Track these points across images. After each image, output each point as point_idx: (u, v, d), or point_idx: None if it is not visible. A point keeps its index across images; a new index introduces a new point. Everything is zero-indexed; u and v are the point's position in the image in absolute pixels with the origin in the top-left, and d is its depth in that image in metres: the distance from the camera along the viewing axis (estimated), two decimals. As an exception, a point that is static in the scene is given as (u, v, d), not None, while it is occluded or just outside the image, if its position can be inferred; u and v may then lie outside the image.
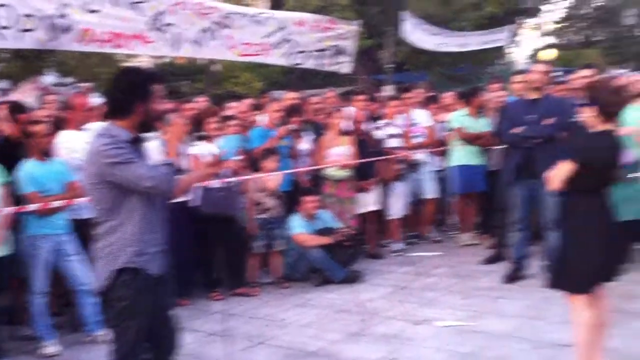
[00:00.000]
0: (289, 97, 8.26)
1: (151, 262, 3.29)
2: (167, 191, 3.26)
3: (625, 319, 5.13)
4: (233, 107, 7.97)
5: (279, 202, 6.87)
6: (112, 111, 3.26)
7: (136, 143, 3.27)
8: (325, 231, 6.91)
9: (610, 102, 3.95)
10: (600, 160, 3.94)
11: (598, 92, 4.01)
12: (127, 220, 3.20)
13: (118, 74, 3.39)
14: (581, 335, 4.00)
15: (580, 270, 3.95)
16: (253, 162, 6.86)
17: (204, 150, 6.15)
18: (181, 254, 6.06)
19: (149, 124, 3.30)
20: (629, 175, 6.75)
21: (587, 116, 3.98)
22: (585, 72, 6.72)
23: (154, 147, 4.68)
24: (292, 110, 7.47)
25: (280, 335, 5.32)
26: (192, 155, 6.09)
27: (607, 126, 3.96)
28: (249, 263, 6.73)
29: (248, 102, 8.46)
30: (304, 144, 7.53)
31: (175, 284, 6.06)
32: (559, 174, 3.94)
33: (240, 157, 6.57)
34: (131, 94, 3.21)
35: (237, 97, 9.13)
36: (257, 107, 8.26)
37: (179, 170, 3.49)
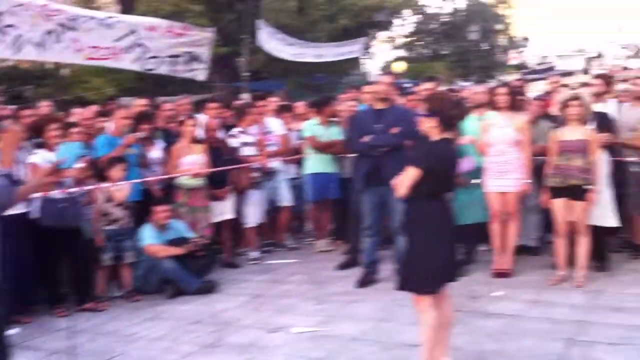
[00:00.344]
0: (139, 103, 8.03)
1: None
2: (4, 204, 3.08)
3: (469, 318, 5.40)
4: (77, 114, 7.62)
5: (128, 212, 6.63)
6: None
7: None
8: (178, 241, 6.74)
9: (449, 114, 4.14)
10: (440, 167, 4.11)
11: (437, 104, 4.19)
12: None
13: None
14: (426, 335, 4.15)
15: (424, 271, 4.10)
16: (99, 171, 6.58)
17: (43, 158, 5.82)
18: (21, 268, 5.70)
19: None
20: (472, 182, 7.17)
21: (428, 126, 4.15)
22: (428, 84, 7.05)
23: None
24: (141, 117, 7.25)
25: (129, 350, 5.11)
26: (31, 163, 5.74)
27: (447, 135, 4.14)
28: (96, 276, 6.44)
29: (93, 108, 8.11)
30: (155, 152, 7.33)
31: (13, 300, 5.71)
32: (404, 180, 4.08)
33: (83, 165, 6.25)
34: None
35: (84, 104, 8.77)
36: (104, 114, 7.94)
37: (16, 181, 3.28)
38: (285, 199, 8.39)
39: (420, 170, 4.01)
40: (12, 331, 5.60)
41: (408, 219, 4.25)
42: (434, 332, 4.13)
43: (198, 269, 6.69)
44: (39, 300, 6.10)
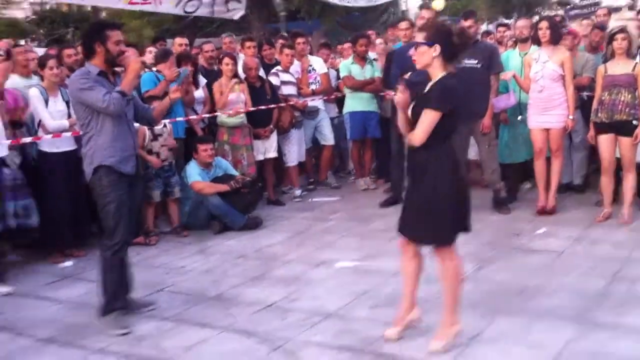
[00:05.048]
0: (177, 42, 8.06)
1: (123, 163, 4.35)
2: (115, 111, 4.21)
3: (511, 255, 5.46)
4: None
5: (173, 151, 6.74)
6: (85, 53, 4.38)
7: (104, 76, 4.31)
8: (222, 179, 6.85)
9: (451, 42, 3.66)
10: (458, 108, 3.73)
11: (437, 32, 3.70)
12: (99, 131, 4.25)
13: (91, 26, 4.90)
14: (454, 285, 3.79)
15: (446, 220, 3.71)
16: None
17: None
18: (74, 203, 5.90)
19: (113, 61, 4.32)
20: (519, 118, 7.09)
21: (428, 57, 3.68)
22: (467, 22, 6.84)
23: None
24: (183, 57, 7.28)
25: (180, 282, 5.28)
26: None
27: (450, 69, 3.72)
28: (145, 212, 6.60)
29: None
30: (198, 91, 7.38)
31: (70, 234, 5.95)
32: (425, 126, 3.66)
33: None
34: (92, 38, 4.29)
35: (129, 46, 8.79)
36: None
37: (129, 99, 4.35)
38: (327, 137, 8.42)
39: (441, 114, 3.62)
40: (66, 264, 5.86)
41: (423, 165, 3.74)
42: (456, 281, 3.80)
43: (243, 206, 6.81)
44: (92, 235, 6.28)
